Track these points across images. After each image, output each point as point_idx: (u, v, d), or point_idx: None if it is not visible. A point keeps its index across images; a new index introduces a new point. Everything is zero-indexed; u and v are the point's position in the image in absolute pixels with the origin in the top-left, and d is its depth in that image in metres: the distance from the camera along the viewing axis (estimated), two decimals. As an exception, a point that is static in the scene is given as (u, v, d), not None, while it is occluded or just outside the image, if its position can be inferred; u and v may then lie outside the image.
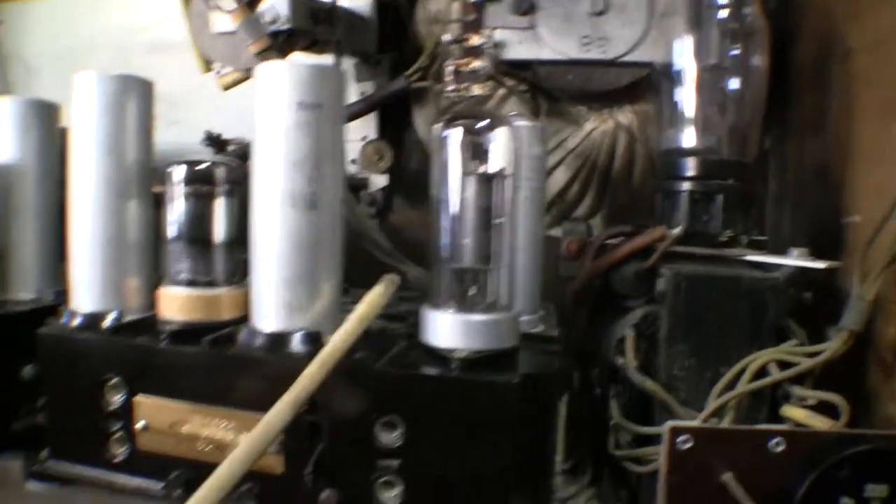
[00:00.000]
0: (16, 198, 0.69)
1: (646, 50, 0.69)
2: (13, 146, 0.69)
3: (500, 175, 0.54)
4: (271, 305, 0.54)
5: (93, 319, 0.58)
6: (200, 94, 0.91)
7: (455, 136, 0.54)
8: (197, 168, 0.57)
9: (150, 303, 0.61)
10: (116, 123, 0.58)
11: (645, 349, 0.61)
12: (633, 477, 0.62)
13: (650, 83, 0.72)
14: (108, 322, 0.57)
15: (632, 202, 0.79)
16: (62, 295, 0.71)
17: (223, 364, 0.54)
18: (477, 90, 0.69)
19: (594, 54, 0.69)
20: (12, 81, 1.07)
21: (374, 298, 0.53)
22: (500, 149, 0.54)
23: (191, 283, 0.58)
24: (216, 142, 0.81)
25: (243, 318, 0.59)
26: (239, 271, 0.60)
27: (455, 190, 0.54)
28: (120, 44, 0.98)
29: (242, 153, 0.88)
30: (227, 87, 0.74)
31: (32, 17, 1.05)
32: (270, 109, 0.53)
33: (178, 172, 0.57)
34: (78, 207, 0.59)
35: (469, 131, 0.54)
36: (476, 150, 0.54)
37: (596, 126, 0.75)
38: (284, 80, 0.52)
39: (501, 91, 0.73)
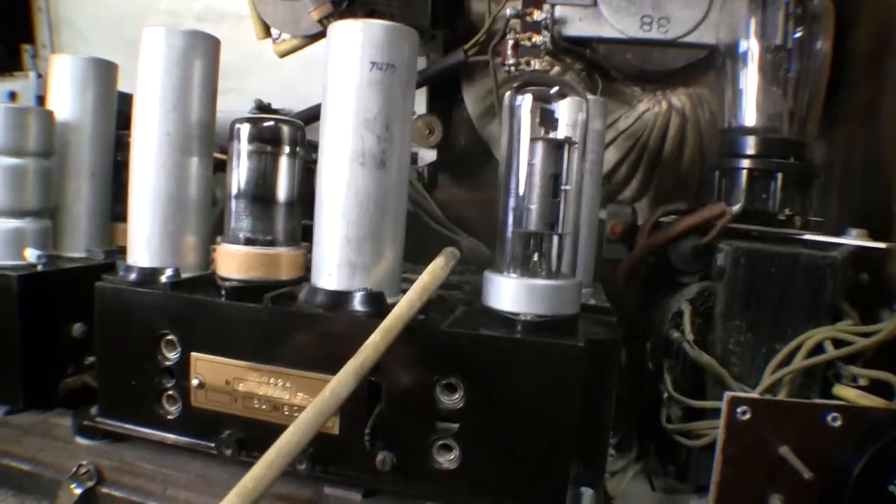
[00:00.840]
0: (71, 155, 0.68)
1: (705, 31, 0.69)
2: (71, 103, 0.69)
3: (568, 142, 0.54)
4: (334, 264, 0.54)
5: (150, 274, 0.58)
6: (249, 64, 0.91)
7: (526, 102, 0.54)
8: (263, 125, 0.57)
9: (207, 261, 0.62)
10: (182, 79, 0.58)
11: (699, 324, 0.61)
12: (682, 452, 0.61)
13: (707, 65, 0.72)
14: (165, 277, 0.57)
15: (679, 185, 0.78)
16: (112, 254, 0.71)
17: (283, 321, 0.53)
18: (536, 65, 0.69)
19: (655, 34, 0.69)
20: (63, 47, 1.07)
21: (435, 269, 0.53)
22: (567, 117, 0.54)
23: (251, 242, 0.57)
24: (266, 111, 0.81)
25: (301, 279, 0.59)
26: (298, 232, 0.60)
27: (524, 156, 0.54)
28: (170, 11, 0.98)
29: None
30: (283, 54, 0.74)
31: None
32: (343, 68, 0.53)
33: (245, 129, 0.57)
34: (140, 162, 0.58)
35: (539, 98, 0.54)
36: (545, 117, 0.54)
37: (649, 107, 0.75)
38: (358, 39, 0.52)
39: (557, 67, 0.73)
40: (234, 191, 0.58)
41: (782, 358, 0.57)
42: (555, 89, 0.54)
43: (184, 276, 0.58)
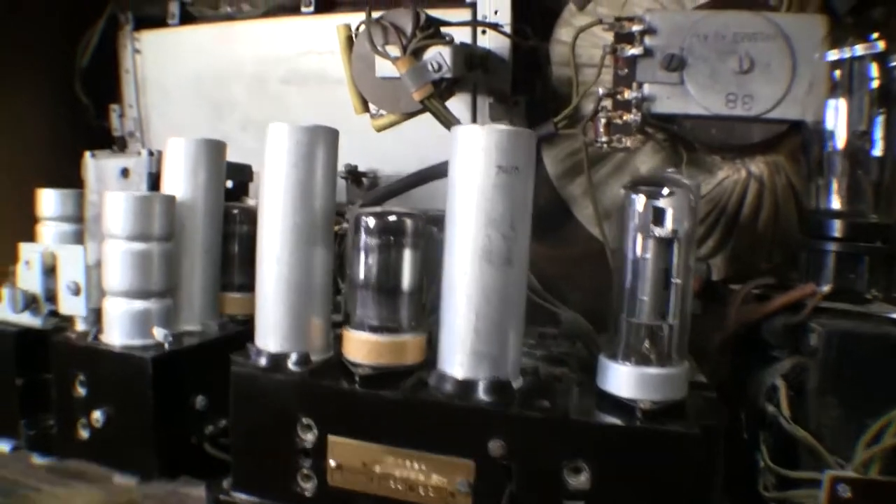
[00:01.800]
0: (186, 234, 0.72)
1: (787, 107, 0.73)
2: (185, 183, 0.72)
3: (678, 238, 0.57)
4: (463, 353, 0.58)
5: (280, 359, 0.62)
6: (334, 125, 0.94)
7: (639, 202, 0.58)
8: (389, 220, 0.61)
9: (330, 341, 0.66)
10: (308, 172, 0.62)
11: (792, 396, 0.65)
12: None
13: (786, 137, 0.75)
14: (294, 362, 0.61)
15: (753, 245, 0.82)
16: (224, 326, 0.75)
17: (417, 408, 0.57)
18: (627, 142, 0.73)
19: (739, 111, 0.72)
20: (149, 107, 1.11)
21: None
22: (677, 212, 0.58)
23: (376, 329, 0.61)
24: (354, 174, 0.84)
25: (423, 363, 0.63)
26: (421, 317, 0.63)
27: (637, 251, 0.58)
28: (255, 73, 1.01)
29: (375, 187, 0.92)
30: (381, 129, 0.77)
31: (169, 45, 1.08)
32: (469, 170, 0.56)
33: (370, 223, 0.61)
34: (267, 251, 0.62)
35: (651, 196, 0.58)
36: (657, 215, 0.58)
37: (728, 175, 0.79)
38: (484, 143, 0.56)
39: (641, 137, 0.76)
40: (359, 280, 0.61)
41: (873, 434, 0.61)
42: (666, 190, 0.58)
43: (312, 359, 0.62)
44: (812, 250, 0.67)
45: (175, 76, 1.07)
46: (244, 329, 0.78)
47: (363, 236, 0.61)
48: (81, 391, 0.69)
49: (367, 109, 0.78)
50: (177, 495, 0.67)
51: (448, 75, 0.72)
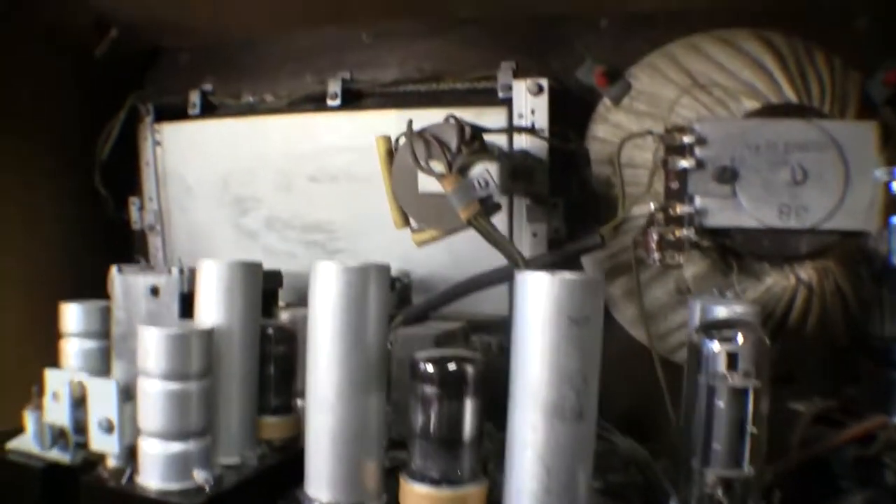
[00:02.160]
0: (223, 363, 0.68)
1: (841, 218, 0.71)
2: (220, 309, 0.69)
3: (752, 386, 0.55)
4: (528, 512, 0.55)
5: (331, 510, 0.59)
6: (362, 225, 0.92)
7: (714, 347, 0.56)
8: (449, 369, 0.58)
9: (382, 489, 0.62)
10: (360, 316, 0.58)
11: (864, 535, 0.62)
12: None
13: (837, 244, 0.73)
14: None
15: (799, 349, 0.80)
16: (265, 456, 0.71)
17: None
18: (679, 258, 0.71)
19: (793, 223, 0.70)
20: (170, 200, 1.07)
21: None
22: (752, 360, 0.56)
23: (436, 481, 0.58)
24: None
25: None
26: (481, 466, 0.60)
27: (708, 398, 0.56)
28: (281, 169, 0.98)
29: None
30: (421, 244, 0.74)
31: (190, 138, 1.04)
32: (538, 321, 0.54)
33: (429, 371, 0.58)
34: (319, 399, 0.59)
35: (724, 341, 0.56)
36: (730, 362, 0.56)
37: (777, 281, 0.77)
38: (555, 293, 0.53)
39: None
40: (417, 430, 0.58)
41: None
42: (739, 336, 0.56)
43: (367, 510, 0.59)
44: (878, 378, 0.65)
45: (197, 169, 1.04)
46: (284, 458, 0.75)
47: (420, 384, 0.58)
48: (115, 536, 0.65)
49: (407, 223, 0.75)
50: None
51: (495, 193, 0.69)
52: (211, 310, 0.69)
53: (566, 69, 0.89)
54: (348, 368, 0.59)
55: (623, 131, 0.83)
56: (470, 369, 0.58)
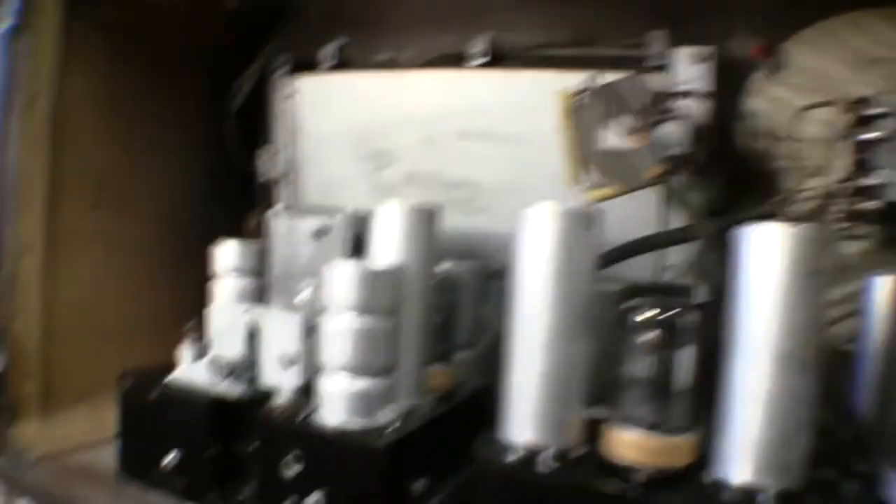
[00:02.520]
0: (404, 308, 0.67)
1: None
2: (399, 253, 0.68)
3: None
4: (751, 461, 0.54)
5: (534, 454, 0.58)
6: (506, 186, 0.91)
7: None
8: (667, 314, 0.57)
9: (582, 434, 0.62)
10: (571, 259, 0.58)
11: None
12: None
13: None
14: (551, 458, 0.57)
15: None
16: (435, 405, 0.71)
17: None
18: (860, 231, 0.70)
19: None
20: (303, 153, 1.06)
21: None
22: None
23: (651, 428, 0.57)
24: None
25: (693, 465, 0.59)
26: (692, 417, 0.60)
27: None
28: (424, 125, 0.97)
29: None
30: (599, 201, 0.74)
31: (326, 91, 1.03)
32: (772, 272, 0.53)
33: (647, 316, 0.57)
34: (530, 340, 0.58)
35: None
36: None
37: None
38: (791, 246, 0.53)
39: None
40: (631, 377, 0.58)
41: None
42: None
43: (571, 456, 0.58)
44: None
45: (332, 122, 1.02)
46: (454, 407, 0.74)
47: (637, 331, 0.57)
48: (291, 472, 0.64)
49: (580, 180, 0.74)
50: None
51: (681, 152, 0.69)
52: (389, 253, 0.68)
53: (720, 40, 0.88)
54: (558, 311, 0.58)
55: (782, 105, 0.83)
56: (688, 316, 0.58)
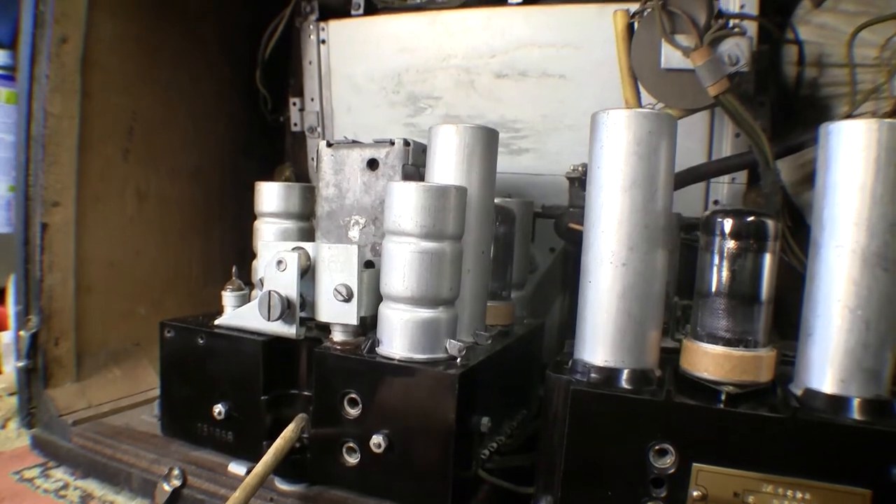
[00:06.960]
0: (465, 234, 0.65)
1: None
2: (457, 177, 0.65)
3: None
4: (843, 369, 0.52)
5: (614, 375, 0.55)
6: (550, 125, 0.88)
7: None
8: (749, 221, 0.55)
9: (659, 355, 0.59)
10: (652, 168, 0.55)
11: None
12: None
13: None
14: (633, 379, 0.55)
15: None
16: (497, 338, 0.68)
17: (803, 430, 0.51)
18: None
19: None
20: (333, 100, 1.03)
21: (287, 434, 0.62)
22: None
23: (729, 342, 0.55)
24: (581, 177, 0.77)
25: (773, 379, 0.57)
26: (772, 330, 0.57)
27: None
28: (462, 67, 0.94)
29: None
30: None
31: (359, 36, 1.00)
32: (861, 168, 0.51)
33: (728, 225, 0.54)
34: (604, 254, 0.56)
35: None
36: None
37: None
38: (885, 140, 0.50)
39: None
40: (711, 287, 0.55)
41: None
42: None
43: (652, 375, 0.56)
44: None
45: (365, 68, 0.99)
46: (514, 341, 0.72)
47: (716, 238, 0.55)
48: (352, 412, 0.61)
49: (638, 103, 0.72)
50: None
51: (745, 69, 0.67)
52: (448, 176, 0.65)
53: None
54: (645, 221, 0.55)
55: (830, 31, 0.81)
56: (770, 224, 0.55)
